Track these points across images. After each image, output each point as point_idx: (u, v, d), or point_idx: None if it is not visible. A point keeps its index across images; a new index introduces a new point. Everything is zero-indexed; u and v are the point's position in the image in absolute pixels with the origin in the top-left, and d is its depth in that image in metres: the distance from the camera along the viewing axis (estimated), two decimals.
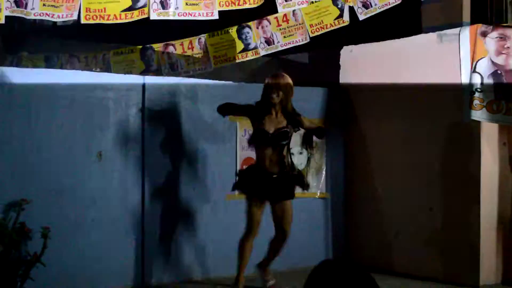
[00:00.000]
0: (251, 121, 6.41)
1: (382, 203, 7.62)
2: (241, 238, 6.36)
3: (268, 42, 7.47)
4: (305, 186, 6.58)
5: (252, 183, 6.29)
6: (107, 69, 8.02)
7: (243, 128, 7.18)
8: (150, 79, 6.82)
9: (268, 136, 6.24)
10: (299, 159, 7.56)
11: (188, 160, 6.90)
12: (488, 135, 6.82)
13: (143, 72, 7.64)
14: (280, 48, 7.62)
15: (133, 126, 6.59)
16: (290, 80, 6.34)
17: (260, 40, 7.54)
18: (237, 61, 7.68)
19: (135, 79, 6.73)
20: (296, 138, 7.47)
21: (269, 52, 7.63)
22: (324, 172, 7.71)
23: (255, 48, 7.53)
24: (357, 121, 7.89)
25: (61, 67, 8.02)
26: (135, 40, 8.26)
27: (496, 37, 6.53)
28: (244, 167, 6.96)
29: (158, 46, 7.90)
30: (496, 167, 6.88)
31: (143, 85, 6.67)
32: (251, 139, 6.42)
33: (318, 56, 8.67)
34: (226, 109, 6.45)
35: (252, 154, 7.21)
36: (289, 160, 6.39)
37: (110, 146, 6.44)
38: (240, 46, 7.57)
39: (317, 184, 7.69)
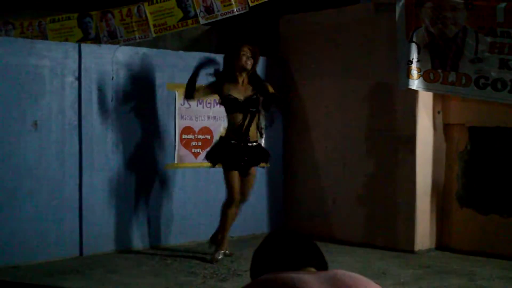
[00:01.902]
0: (218, 93, 6.39)
1: (320, 171, 7.71)
2: (223, 205, 6.45)
3: (208, 10, 7.40)
4: (268, 159, 6.68)
5: (226, 153, 6.31)
6: (43, 36, 7.85)
7: (182, 97, 7.13)
8: (87, 47, 6.70)
9: (239, 103, 6.26)
10: None
11: (126, 129, 6.83)
12: (424, 104, 6.94)
13: (81, 40, 7.50)
14: (220, 17, 7.56)
15: (70, 94, 6.49)
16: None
17: (200, 9, 7.46)
18: (177, 29, 7.60)
19: (71, 47, 6.60)
20: None
21: (209, 21, 7.57)
22: (263, 141, 7.72)
23: (195, 16, 7.45)
24: (296, 89, 7.94)
25: None
26: (72, 7, 8.09)
27: (432, 7, 6.62)
28: (215, 140, 7.00)
29: (95, 14, 7.76)
30: (431, 135, 7.02)
31: (79, 53, 6.56)
32: (225, 109, 6.42)
33: (257, 26, 8.65)
34: (190, 94, 6.42)
35: (191, 123, 7.22)
36: (258, 129, 6.44)
37: (46, 115, 6.33)
38: (179, 14, 7.48)
39: None
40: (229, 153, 6.31)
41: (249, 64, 6.32)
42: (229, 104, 6.32)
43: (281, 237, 2.44)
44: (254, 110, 6.31)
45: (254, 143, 6.39)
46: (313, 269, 2.32)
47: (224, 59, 6.48)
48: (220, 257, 6.41)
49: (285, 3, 7.96)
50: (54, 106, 6.39)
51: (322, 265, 2.38)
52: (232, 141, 6.31)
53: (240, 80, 6.35)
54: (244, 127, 6.26)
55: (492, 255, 6.65)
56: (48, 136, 6.34)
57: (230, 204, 6.40)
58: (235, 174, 6.34)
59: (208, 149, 6.76)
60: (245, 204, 7.54)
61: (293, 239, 2.41)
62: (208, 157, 6.52)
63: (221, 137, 6.62)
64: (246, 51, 6.33)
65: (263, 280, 2.17)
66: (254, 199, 7.67)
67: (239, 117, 6.29)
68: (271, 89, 6.42)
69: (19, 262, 6.10)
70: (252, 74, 6.40)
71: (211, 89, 6.42)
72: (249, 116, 6.28)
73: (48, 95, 6.35)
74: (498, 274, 6.01)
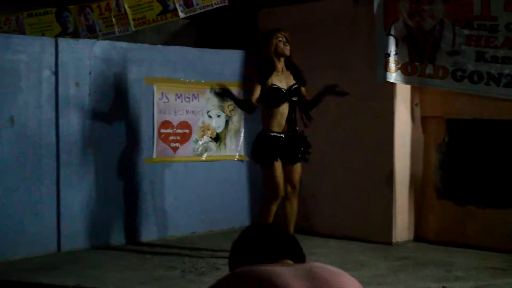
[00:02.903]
0: (261, 84, 6.04)
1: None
2: (263, 202, 6.25)
3: (187, 4, 7.38)
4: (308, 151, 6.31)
5: (271, 149, 6.04)
6: (21, 31, 7.81)
7: (160, 91, 7.13)
8: (64, 42, 6.66)
9: (284, 93, 6.05)
10: (217, 122, 7.57)
11: (104, 124, 6.80)
12: (402, 96, 6.97)
13: (60, 35, 7.46)
14: (199, 11, 7.54)
15: (46, 89, 6.45)
16: None
17: (179, 3, 7.44)
18: (157, 23, 7.57)
19: (48, 41, 6.56)
20: (213, 101, 7.49)
21: (188, 15, 7.54)
22: (242, 135, 7.74)
23: (174, 10, 7.42)
24: None
25: None
26: (50, 2, 8.05)
27: (410, 0, 6.64)
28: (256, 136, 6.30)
29: (74, 8, 7.72)
30: (409, 128, 7.06)
31: (56, 48, 6.52)
32: (267, 101, 6.07)
33: (237, 19, 8.64)
34: (251, 106, 6.08)
35: (170, 117, 7.20)
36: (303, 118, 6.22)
37: (22, 110, 6.28)
38: (159, 8, 7.45)
39: (236, 147, 7.72)
40: (271, 150, 6.04)
41: (287, 50, 6.09)
42: (274, 94, 6.02)
43: (259, 230, 2.47)
44: (296, 99, 6.11)
45: (294, 135, 6.14)
46: (290, 261, 2.35)
47: (260, 49, 6.23)
48: None
49: None
50: (31, 101, 6.34)
51: (299, 258, 2.40)
52: (276, 134, 6.05)
53: (280, 67, 6.13)
54: (290, 117, 6.05)
55: (469, 246, 6.70)
56: (25, 131, 6.30)
57: (271, 201, 6.12)
58: (278, 169, 6.07)
59: (252, 150, 6.27)
60: (226, 198, 7.57)
61: (271, 231, 2.44)
62: (258, 159, 6.16)
63: (262, 134, 6.14)
64: (282, 37, 6.10)
65: (239, 273, 2.19)
66: (234, 192, 7.70)
67: (284, 107, 6.06)
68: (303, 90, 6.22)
69: None
70: (288, 61, 6.17)
71: (259, 83, 6.06)
72: (291, 106, 6.08)
73: (25, 90, 6.30)
74: (475, 265, 6.05)
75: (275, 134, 6.06)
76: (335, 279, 2.17)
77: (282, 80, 6.07)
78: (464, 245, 6.74)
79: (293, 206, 6.23)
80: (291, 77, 6.14)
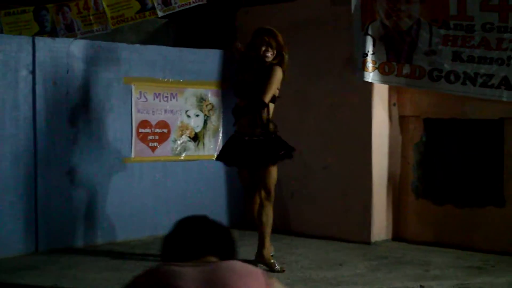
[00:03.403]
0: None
1: (278, 164, 7.69)
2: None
3: (165, 2, 7.35)
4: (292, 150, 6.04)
5: (233, 151, 5.94)
6: None
7: (138, 90, 7.10)
8: (41, 41, 6.62)
9: (247, 85, 5.86)
10: (195, 121, 7.56)
11: (82, 123, 6.77)
12: (380, 96, 7.01)
13: (38, 34, 7.40)
14: (177, 9, 7.51)
15: (24, 89, 6.40)
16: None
17: (157, 1, 7.41)
18: (135, 21, 7.53)
19: (25, 40, 6.51)
20: (192, 100, 7.49)
21: (167, 13, 7.52)
22: (221, 134, 7.73)
23: (153, 8, 7.39)
24: None
25: None
26: (28, 0, 7.98)
27: (387, 0, 6.67)
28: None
29: (51, 7, 7.66)
30: (387, 127, 7.09)
31: (33, 47, 6.47)
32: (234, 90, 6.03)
33: (215, 19, 8.63)
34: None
35: (148, 117, 7.18)
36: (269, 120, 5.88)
37: None
38: (137, 6, 7.41)
39: (214, 146, 7.71)
40: (233, 152, 5.96)
41: (267, 57, 5.85)
42: (238, 86, 5.92)
43: (190, 223, 2.48)
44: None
45: (261, 137, 5.86)
46: (213, 258, 2.37)
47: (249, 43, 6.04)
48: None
49: None
50: (8, 100, 6.30)
51: (228, 254, 2.42)
52: (237, 137, 5.91)
53: (255, 66, 5.93)
54: (256, 118, 5.81)
55: (447, 245, 6.75)
56: (2, 130, 6.25)
57: (246, 200, 6.24)
58: (242, 172, 6.05)
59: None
60: (204, 197, 7.56)
61: (202, 225, 2.46)
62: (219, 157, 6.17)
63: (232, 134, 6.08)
64: (265, 44, 5.85)
65: (150, 270, 2.27)
66: (213, 192, 7.69)
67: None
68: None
69: None
70: (266, 63, 5.91)
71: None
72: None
73: (2, 89, 6.26)
74: (452, 264, 6.10)
75: (239, 135, 5.90)
76: (235, 283, 2.20)
77: (251, 76, 5.87)
78: (442, 244, 6.80)
79: (267, 211, 5.92)
80: (263, 76, 5.85)
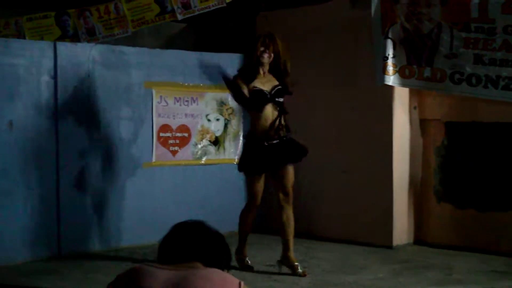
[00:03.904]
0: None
1: (298, 168, 7.68)
2: (243, 210, 6.21)
3: (185, 6, 7.37)
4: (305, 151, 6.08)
5: (253, 159, 5.91)
6: (20, 35, 7.80)
7: (159, 95, 7.13)
8: (62, 46, 6.67)
9: (265, 94, 5.85)
10: (216, 125, 7.58)
11: (103, 128, 6.81)
12: (400, 99, 6.98)
13: (60, 38, 7.45)
14: (197, 13, 7.53)
15: (45, 94, 6.45)
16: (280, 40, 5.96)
17: (177, 5, 7.43)
18: (155, 23, 7.55)
19: (47, 45, 6.56)
20: (212, 104, 7.50)
21: (187, 16, 7.53)
22: (241, 138, 7.73)
23: (172, 11, 7.42)
24: None
25: None
26: (49, 6, 8.04)
27: (407, 3, 6.65)
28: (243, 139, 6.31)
29: (72, 11, 7.72)
30: (408, 131, 7.06)
31: (55, 52, 6.52)
32: (248, 103, 5.92)
33: (235, 23, 8.65)
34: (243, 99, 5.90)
35: (169, 121, 7.21)
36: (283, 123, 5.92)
37: (21, 115, 6.28)
38: (157, 10, 7.44)
39: (235, 150, 7.72)
40: (253, 160, 5.92)
41: (263, 58, 5.89)
42: (256, 96, 5.84)
43: (183, 228, 2.55)
44: (282, 101, 5.92)
45: (279, 140, 5.90)
46: (199, 264, 2.43)
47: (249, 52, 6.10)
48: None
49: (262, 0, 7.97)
50: (30, 105, 6.35)
51: (214, 262, 2.46)
52: (256, 143, 5.89)
53: (262, 72, 5.95)
54: (276, 121, 5.85)
55: (469, 249, 6.70)
56: (24, 136, 6.30)
57: (249, 208, 6.12)
58: (258, 178, 5.96)
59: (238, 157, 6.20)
60: (225, 201, 7.54)
61: (194, 231, 2.53)
62: (240, 167, 6.10)
63: (246, 143, 6.13)
64: (263, 46, 5.90)
65: (131, 269, 2.38)
66: (233, 195, 7.68)
67: (268, 110, 5.87)
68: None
69: None
70: (271, 64, 5.97)
71: (241, 83, 5.92)
72: (276, 109, 5.90)
73: (24, 94, 6.31)
74: (474, 268, 6.06)
75: (259, 142, 5.88)
76: None
77: (264, 83, 5.91)
78: (464, 248, 6.74)
79: (288, 213, 5.96)
80: (274, 80, 5.95)
